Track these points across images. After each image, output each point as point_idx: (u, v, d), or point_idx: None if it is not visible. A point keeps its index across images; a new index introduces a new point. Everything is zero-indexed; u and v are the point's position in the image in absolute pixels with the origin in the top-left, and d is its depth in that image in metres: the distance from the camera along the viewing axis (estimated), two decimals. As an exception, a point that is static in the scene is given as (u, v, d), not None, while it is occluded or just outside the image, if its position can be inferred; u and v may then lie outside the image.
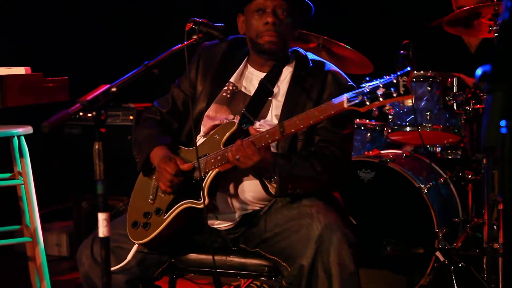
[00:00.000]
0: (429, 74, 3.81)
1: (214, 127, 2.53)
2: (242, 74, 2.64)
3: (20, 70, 3.02)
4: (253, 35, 2.54)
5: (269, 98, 2.55)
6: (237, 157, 2.31)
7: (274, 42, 2.51)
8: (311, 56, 2.64)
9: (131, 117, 4.50)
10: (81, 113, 1.74)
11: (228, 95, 2.60)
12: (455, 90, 3.76)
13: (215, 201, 2.47)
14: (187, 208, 2.44)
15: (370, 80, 2.17)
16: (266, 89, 2.55)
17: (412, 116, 3.80)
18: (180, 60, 2.35)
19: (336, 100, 2.22)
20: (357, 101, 2.16)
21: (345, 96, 2.19)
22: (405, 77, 2.09)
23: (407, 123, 3.86)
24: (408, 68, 2.12)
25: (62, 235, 4.62)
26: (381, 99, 2.12)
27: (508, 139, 1.06)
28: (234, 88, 2.61)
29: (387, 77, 2.13)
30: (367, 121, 4.35)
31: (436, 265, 3.50)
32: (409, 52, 3.62)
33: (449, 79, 3.78)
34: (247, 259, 2.52)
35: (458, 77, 3.79)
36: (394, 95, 2.10)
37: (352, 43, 3.88)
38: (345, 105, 2.19)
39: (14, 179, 3.32)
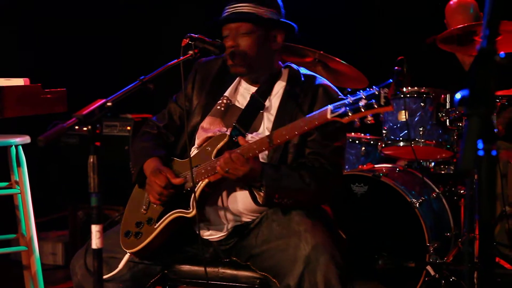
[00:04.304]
0: (422, 90, 3.86)
1: (207, 139, 2.57)
2: (236, 89, 2.69)
3: (19, 81, 3.05)
4: None
5: (261, 112, 2.59)
6: (226, 169, 2.35)
7: (234, 65, 2.57)
8: (303, 71, 2.67)
9: (128, 128, 4.51)
10: (76, 127, 1.79)
11: (222, 108, 2.65)
12: (448, 106, 3.79)
13: (205, 211, 2.51)
14: (177, 218, 2.49)
15: (354, 92, 2.22)
16: (257, 103, 2.60)
17: (406, 131, 3.84)
18: (179, 73, 2.38)
19: (320, 111, 2.27)
20: (340, 112, 2.21)
21: (328, 107, 2.24)
22: (386, 89, 2.15)
23: (401, 138, 3.90)
24: (390, 80, 2.18)
25: (57, 244, 4.64)
26: (362, 110, 2.17)
27: (484, 161, 1.11)
28: (228, 101, 2.66)
29: (370, 89, 2.18)
30: (362, 135, 4.38)
31: (427, 279, 3.53)
32: (404, 68, 3.65)
33: (442, 96, 3.82)
34: (239, 271, 2.55)
35: (451, 94, 3.83)
36: (375, 106, 2.15)
37: (348, 58, 3.93)
38: (328, 116, 2.23)
39: (11, 188, 3.35)
